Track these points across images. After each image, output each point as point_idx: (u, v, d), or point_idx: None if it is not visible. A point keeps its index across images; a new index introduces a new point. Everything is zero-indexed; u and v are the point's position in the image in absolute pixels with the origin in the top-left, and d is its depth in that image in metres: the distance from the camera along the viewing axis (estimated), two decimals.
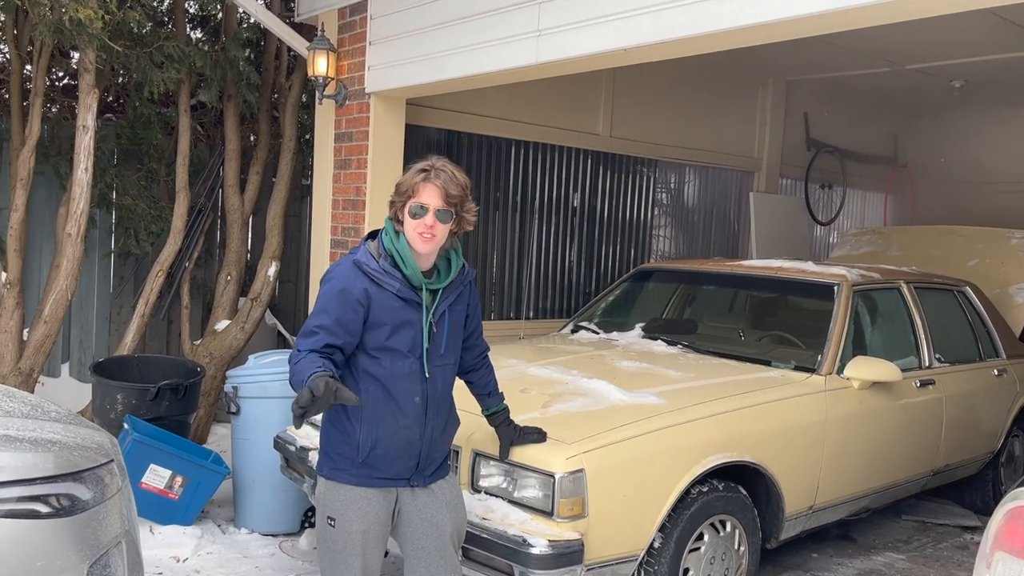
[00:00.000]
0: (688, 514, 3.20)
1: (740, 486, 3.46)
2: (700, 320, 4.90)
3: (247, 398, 4.36)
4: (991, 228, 6.39)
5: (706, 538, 3.32)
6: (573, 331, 4.86)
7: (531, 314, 6.30)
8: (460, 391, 2.72)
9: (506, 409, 2.87)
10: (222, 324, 5.44)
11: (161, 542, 4.02)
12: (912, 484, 4.42)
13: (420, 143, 5.40)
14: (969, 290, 5.11)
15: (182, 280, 5.59)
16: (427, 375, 2.45)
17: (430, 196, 2.35)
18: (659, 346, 4.33)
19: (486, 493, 3.05)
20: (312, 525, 4.39)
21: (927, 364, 4.48)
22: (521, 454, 2.97)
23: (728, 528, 3.41)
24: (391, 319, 2.37)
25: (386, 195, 4.69)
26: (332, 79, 4.67)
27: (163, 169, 5.60)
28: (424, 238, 2.35)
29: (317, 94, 4.67)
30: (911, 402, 4.25)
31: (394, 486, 2.47)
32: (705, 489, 3.28)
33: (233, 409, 4.39)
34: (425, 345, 2.42)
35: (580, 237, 6.47)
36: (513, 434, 2.90)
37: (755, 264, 4.84)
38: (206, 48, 5.43)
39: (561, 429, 3.05)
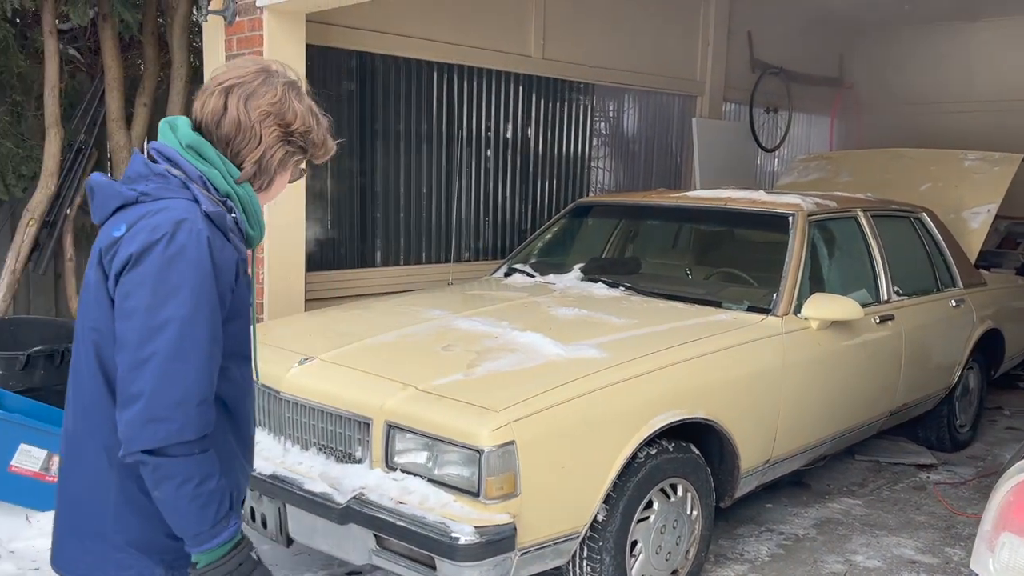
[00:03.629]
0: (635, 481, 2.83)
1: (691, 445, 3.10)
2: (643, 258, 4.50)
3: None
4: (943, 150, 6.09)
5: (656, 505, 2.96)
6: (507, 274, 4.41)
7: (467, 255, 5.82)
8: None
9: None
10: None
11: (40, 531, 3.51)
12: (870, 426, 4.15)
13: (329, 67, 4.80)
14: (926, 216, 4.80)
15: (64, 229, 4.94)
16: (257, 379, 1.69)
17: None
18: (599, 289, 3.91)
19: (403, 471, 2.62)
20: None
21: (886, 298, 4.16)
22: (441, 423, 2.54)
23: (680, 492, 3.06)
24: (245, 305, 1.56)
25: None
26: None
27: (32, 102, 4.89)
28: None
29: (201, 9, 4.02)
30: (870, 340, 3.94)
31: None
32: (654, 452, 2.91)
33: None
34: (254, 337, 1.65)
35: (514, 170, 5.97)
36: None
37: (702, 195, 4.43)
38: None
39: (488, 394, 2.62)
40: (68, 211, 4.91)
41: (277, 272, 4.05)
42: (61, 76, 4.72)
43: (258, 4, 3.94)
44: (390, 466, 2.64)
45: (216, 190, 1.49)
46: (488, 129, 5.73)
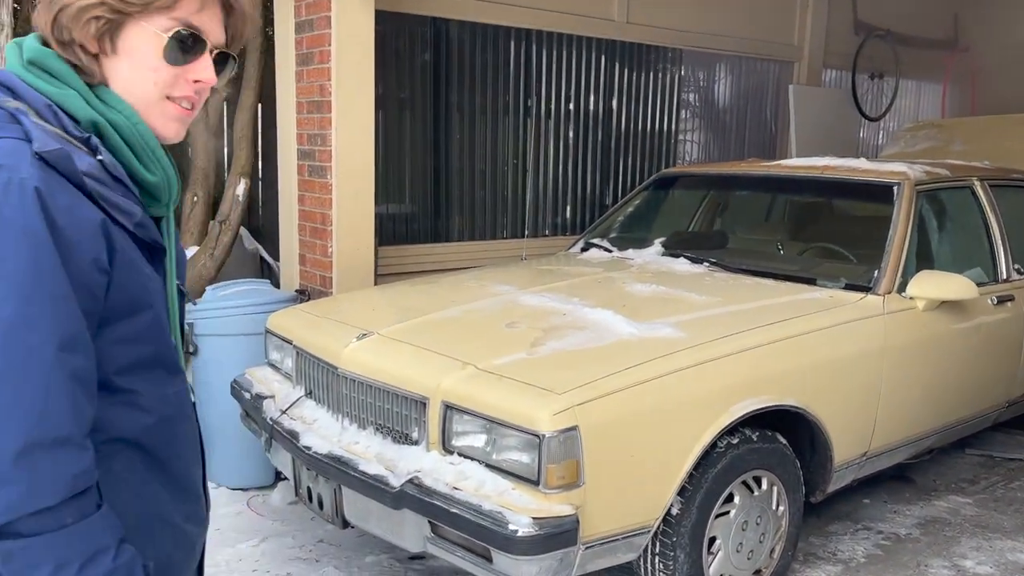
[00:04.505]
0: (714, 472, 2.59)
1: (778, 434, 2.83)
2: (731, 232, 4.20)
3: (205, 336, 3.80)
4: None
5: (737, 499, 2.71)
6: (583, 249, 4.19)
7: (545, 231, 5.61)
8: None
9: None
10: (190, 251, 4.84)
11: None
12: (984, 418, 3.76)
13: (401, 35, 4.65)
14: None
15: None
16: (193, 396, 1.21)
17: (211, 21, 1.09)
18: (681, 264, 3.65)
19: (460, 455, 2.45)
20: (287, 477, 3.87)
21: (1005, 277, 3.75)
22: (499, 405, 2.35)
23: (764, 485, 2.80)
24: (145, 292, 1.05)
25: (355, 93, 4.03)
26: None
27: None
28: (184, 112, 1.10)
29: None
30: (986, 322, 3.55)
31: None
32: (735, 441, 2.66)
33: (191, 349, 3.83)
34: (179, 335, 1.17)
35: (594, 142, 5.70)
36: None
37: (797, 164, 4.09)
38: None
39: (551, 374, 2.42)
40: None
41: (346, 245, 3.95)
42: None
43: None
44: (447, 449, 2.48)
45: (76, 120, 1.03)
46: (568, 99, 5.48)
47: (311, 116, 4.02)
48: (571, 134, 5.59)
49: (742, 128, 6.83)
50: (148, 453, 1.06)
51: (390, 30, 4.52)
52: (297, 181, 4.16)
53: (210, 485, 3.83)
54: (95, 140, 1.03)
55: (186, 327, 3.83)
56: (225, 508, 3.63)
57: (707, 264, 3.62)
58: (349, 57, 3.85)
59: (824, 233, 3.98)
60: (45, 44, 1.06)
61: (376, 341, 2.81)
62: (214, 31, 1.09)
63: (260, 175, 5.76)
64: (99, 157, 1.01)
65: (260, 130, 5.45)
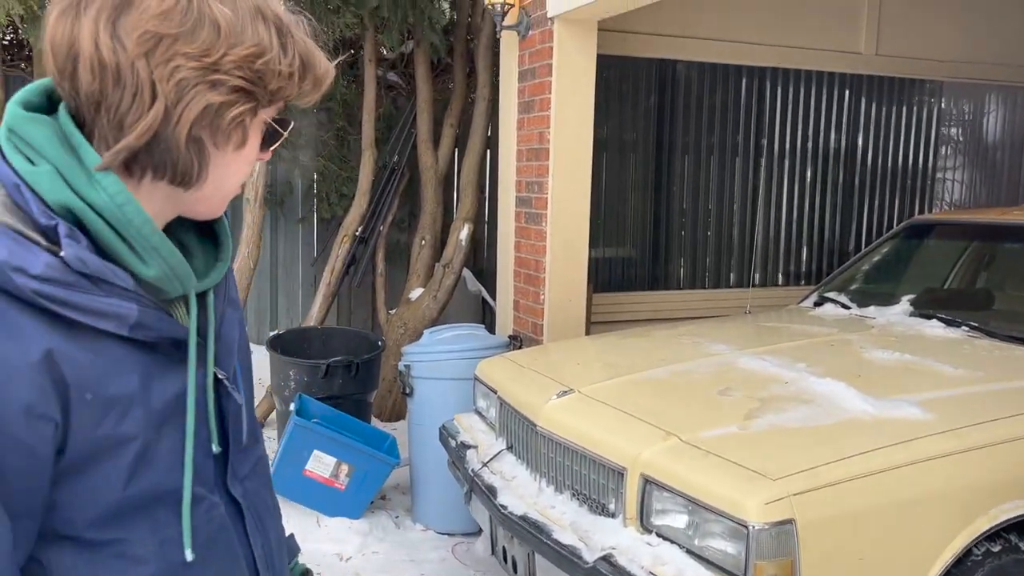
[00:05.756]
0: None
1: None
2: (998, 291, 3.61)
3: (420, 378, 3.87)
4: None
5: None
6: (817, 304, 3.80)
7: (780, 279, 5.23)
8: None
9: None
10: (416, 292, 5.03)
11: (326, 536, 3.66)
12: None
13: (626, 78, 4.56)
14: None
15: (377, 245, 5.25)
16: (246, 523, 0.96)
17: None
18: (934, 328, 3.17)
19: (658, 535, 2.23)
20: None
21: None
22: (703, 485, 2.11)
23: None
24: (131, 420, 0.82)
25: (573, 141, 3.96)
26: (512, 5, 3.96)
27: (356, 127, 5.26)
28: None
29: (496, 25, 3.99)
30: None
31: None
32: (997, 549, 2.20)
33: (407, 390, 3.93)
34: (213, 448, 0.91)
35: (835, 184, 5.24)
36: None
37: None
38: None
39: (765, 455, 2.14)
40: (381, 228, 5.21)
41: (558, 294, 3.87)
42: (379, 101, 5.01)
43: (549, 15, 3.81)
44: (645, 527, 2.27)
45: (46, 203, 0.78)
46: (805, 137, 5.09)
47: (530, 164, 4.01)
48: (808, 174, 5.18)
49: (1016, 168, 5.98)
50: None
51: (614, 74, 4.44)
52: (515, 228, 4.16)
53: (418, 528, 3.85)
54: (65, 227, 0.77)
55: (402, 368, 3.93)
56: (431, 553, 3.64)
57: (966, 328, 3.12)
58: (568, 105, 3.81)
59: None
60: (50, 94, 0.82)
61: (576, 399, 2.67)
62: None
63: (486, 219, 5.90)
64: (61, 253, 0.76)
65: (488, 176, 5.58)
